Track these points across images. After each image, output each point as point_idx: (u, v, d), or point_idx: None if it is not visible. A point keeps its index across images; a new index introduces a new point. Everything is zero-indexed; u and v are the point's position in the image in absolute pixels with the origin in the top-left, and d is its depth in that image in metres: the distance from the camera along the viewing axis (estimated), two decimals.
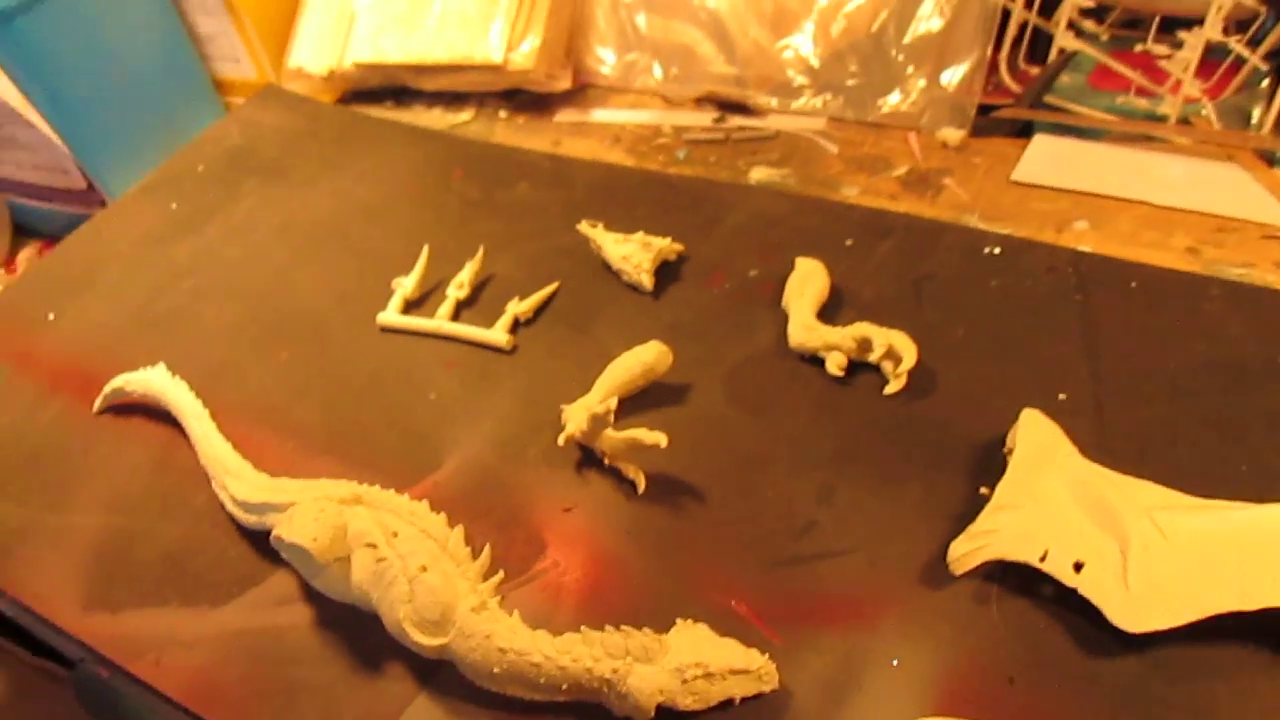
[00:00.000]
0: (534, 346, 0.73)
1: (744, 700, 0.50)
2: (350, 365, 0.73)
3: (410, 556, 0.52)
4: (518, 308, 0.74)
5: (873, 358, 0.63)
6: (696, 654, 0.49)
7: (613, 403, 0.58)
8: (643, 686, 0.48)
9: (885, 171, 0.82)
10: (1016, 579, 0.52)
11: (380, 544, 0.53)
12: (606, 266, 0.77)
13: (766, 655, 0.50)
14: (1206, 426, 0.58)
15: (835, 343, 0.65)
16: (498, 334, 0.73)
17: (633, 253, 0.74)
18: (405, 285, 0.77)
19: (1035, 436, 0.55)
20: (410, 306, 0.77)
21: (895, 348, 0.63)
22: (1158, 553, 0.49)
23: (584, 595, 0.57)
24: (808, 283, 0.69)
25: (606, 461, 0.62)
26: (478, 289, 0.78)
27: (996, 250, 0.71)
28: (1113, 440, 0.58)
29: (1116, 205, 0.74)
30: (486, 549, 0.55)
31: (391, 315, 0.76)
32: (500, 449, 0.66)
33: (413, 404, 0.70)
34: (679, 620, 0.51)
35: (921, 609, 0.53)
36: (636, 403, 0.66)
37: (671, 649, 0.50)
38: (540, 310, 0.75)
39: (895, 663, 0.51)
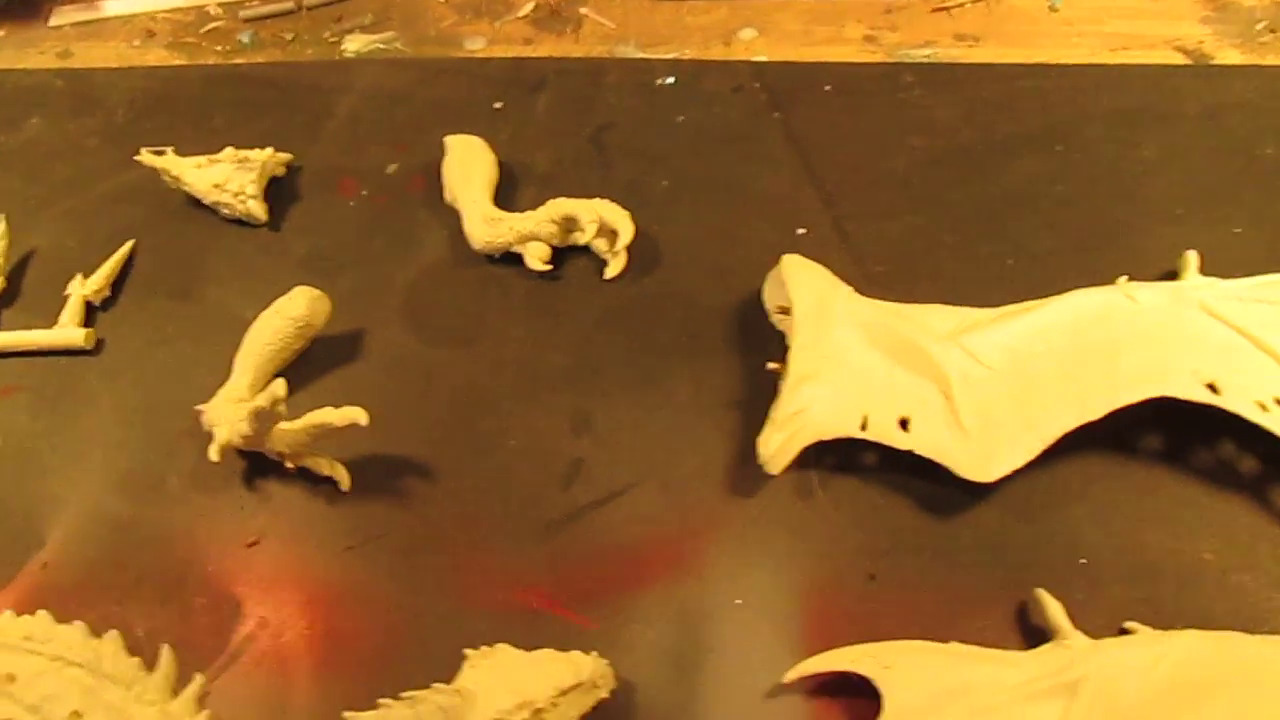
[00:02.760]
0: (125, 335, 0.53)
1: (583, 718, 0.38)
2: None
3: (50, 703, 0.34)
4: (83, 288, 0.53)
5: (583, 239, 0.51)
6: (511, 690, 0.36)
7: (279, 386, 0.41)
8: None
9: (508, 14, 0.68)
10: (832, 456, 0.44)
11: None
12: (195, 202, 0.57)
13: (593, 653, 0.38)
14: (955, 225, 0.52)
15: (531, 231, 0.51)
16: (68, 330, 0.52)
17: (227, 177, 0.55)
18: None
19: (807, 286, 0.46)
20: None
21: (607, 221, 0.51)
22: (979, 383, 0.43)
23: (318, 655, 0.41)
24: (470, 165, 0.54)
25: (289, 464, 0.45)
26: (12, 276, 0.56)
27: (670, 80, 0.60)
28: (870, 265, 0.51)
29: (775, 3, 0.65)
30: (165, 650, 0.38)
31: None
32: (125, 489, 0.47)
33: None
34: (468, 652, 0.38)
35: (742, 526, 0.43)
36: (298, 372, 0.49)
37: (478, 697, 0.36)
38: (118, 284, 0.55)
39: (739, 602, 0.41)
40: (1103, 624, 0.39)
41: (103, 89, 0.66)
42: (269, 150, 0.57)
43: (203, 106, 0.64)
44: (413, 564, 0.44)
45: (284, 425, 0.44)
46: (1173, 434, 0.43)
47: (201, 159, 0.56)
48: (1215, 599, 0.40)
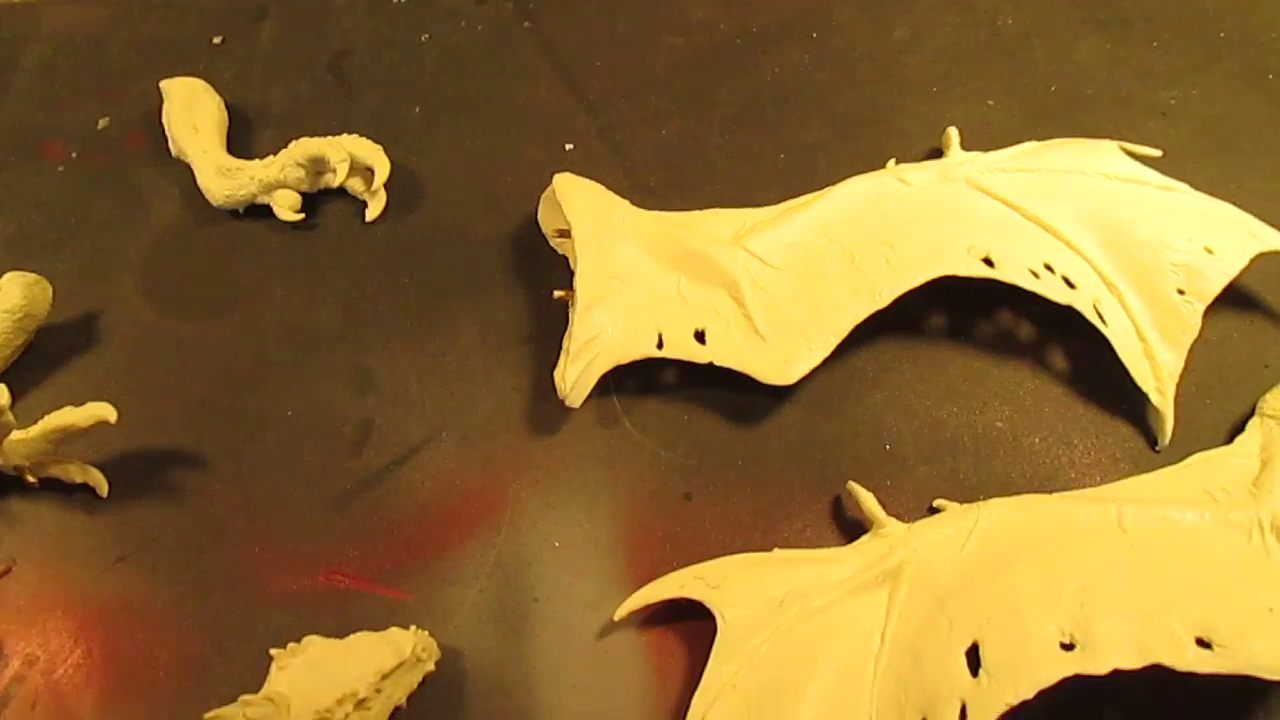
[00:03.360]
0: None
1: (411, 697, 0.35)
2: None
3: None
4: None
5: (336, 181, 0.46)
6: (328, 685, 0.33)
7: (0, 394, 0.36)
8: None
9: None
10: (632, 378, 0.43)
11: None
12: None
13: (412, 627, 0.36)
14: (723, 126, 0.50)
15: (276, 178, 0.46)
16: None
17: None
18: None
19: (584, 206, 0.43)
20: None
21: (360, 158, 0.46)
22: (769, 284, 0.42)
23: (103, 685, 0.37)
24: (195, 111, 0.48)
25: (30, 478, 0.40)
26: None
27: None
28: (643, 175, 0.49)
29: None
30: None
31: None
32: None
33: None
34: (274, 652, 0.34)
35: (550, 466, 0.41)
36: (24, 370, 0.43)
37: (292, 700, 0.33)
38: None
39: (557, 545, 0.39)
40: (913, 506, 0.40)
41: None
42: None
43: None
44: (196, 565, 0.39)
45: (17, 435, 0.38)
46: (954, 310, 0.44)
47: None
48: (1011, 464, 0.41)
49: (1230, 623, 0.33)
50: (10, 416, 0.37)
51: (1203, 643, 0.32)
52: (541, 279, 0.45)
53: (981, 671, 0.33)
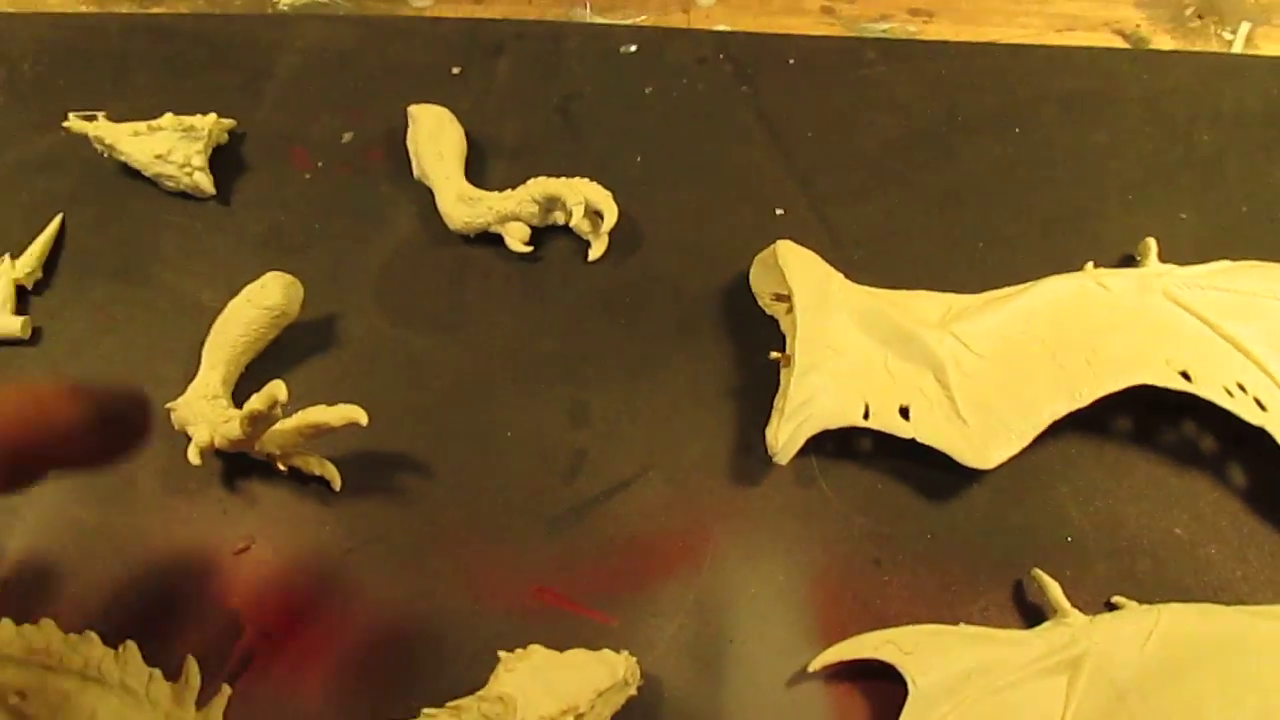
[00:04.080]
0: (66, 322, 0.49)
1: (615, 717, 0.38)
2: None
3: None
4: (13, 271, 0.49)
5: (572, 221, 0.50)
6: (553, 694, 0.36)
7: (279, 389, 0.39)
8: None
9: None
10: (830, 443, 0.45)
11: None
12: (129, 171, 0.53)
13: (623, 652, 0.39)
14: (925, 207, 0.53)
15: (512, 211, 0.49)
16: (1, 319, 0.47)
17: (171, 147, 0.51)
18: None
19: (805, 275, 0.46)
20: None
21: (592, 202, 0.49)
22: (972, 370, 0.44)
23: (331, 663, 0.40)
24: (441, 139, 0.52)
25: (281, 465, 0.43)
26: None
27: (633, 48, 0.59)
28: (848, 248, 0.51)
29: None
30: (190, 661, 0.36)
31: None
32: (88, 494, 0.44)
33: None
34: (502, 655, 0.37)
35: (749, 515, 0.44)
36: (270, 362, 0.47)
37: (519, 702, 0.36)
38: (49, 264, 0.50)
39: (753, 592, 0.42)
40: (1090, 599, 0.42)
41: (4, 36, 0.59)
42: (212, 116, 0.52)
43: (120, 61, 0.58)
44: (417, 565, 0.42)
45: (275, 425, 0.42)
46: (1141, 415, 0.46)
47: (140, 125, 0.51)
48: (1186, 571, 0.43)
49: None
50: (280, 411, 0.40)
51: None
52: (748, 336, 0.48)
53: None
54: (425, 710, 0.35)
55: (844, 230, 0.52)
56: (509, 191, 0.50)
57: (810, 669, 0.40)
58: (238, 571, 0.42)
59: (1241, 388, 0.44)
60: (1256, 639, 0.38)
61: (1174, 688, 0.37)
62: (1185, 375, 0.44)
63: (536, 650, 0.38)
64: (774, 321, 0.49)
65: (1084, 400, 0.44)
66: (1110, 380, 0.44)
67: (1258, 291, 0.47)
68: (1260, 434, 0.42)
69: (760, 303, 0.49)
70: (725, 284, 0.50)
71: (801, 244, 0.48)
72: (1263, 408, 0.43)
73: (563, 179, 0.49)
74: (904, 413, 0.44)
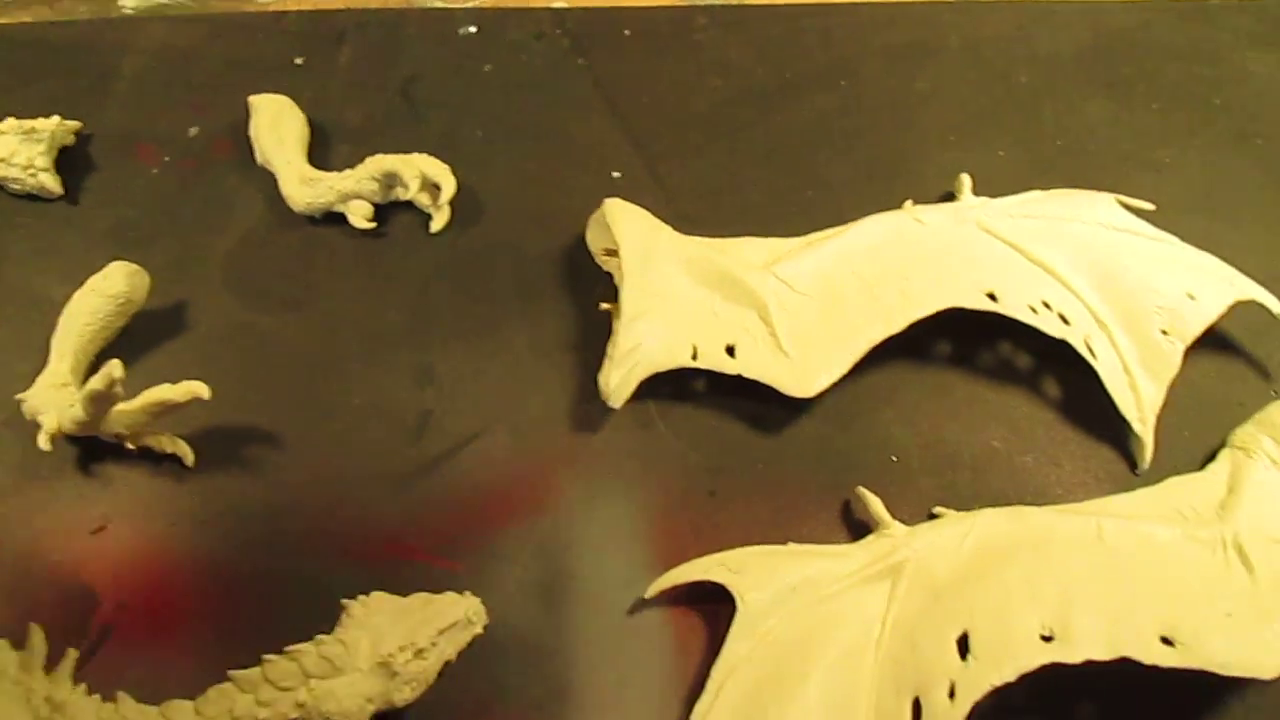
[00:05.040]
0: None
1: (459, 655, 0.40)
2: None
3: None
4: None
5: (408, 195, 0.51)
6: (393, 634, 0.37)
7: (115, 367, 0.40)
8: (346, 706, 0.36)
9: None
10: (667, 386, 0.47)
11: None
12: None
13: (466, 593, 0.40)
14: (757, 161, 0.55)
15: (352, 190, 0.51)
16: None
17: (13, 150, 0.51)
18: None
19: (631, 228, 0.48)
20: None
21: (429, 175, 0.51)
22: (794, 307, 0.47)
23: (186, 631, 0.41)
24: (281, 125, 0.53)
25: (130, 445, 0.44)
26: None
27: (473, 29, 0.61)
28: (682, 204, 0.54)
29: None
30: (34, 629, 0.37)
31: None
32: None
33: None
34: (345, 603, 0.39)
35: (590, 460, 0.46)
36: (121, 350, 0.48)
37: (360, 644, 0.37)
38: None
39: (595, 531, 0.44)
40: (915, 512, 0.44)
41: None
42: (55, 119, 0.53)
43: None
44: (271, 532, 0.44)
45: (121, 406, 0.43)
46: (960, 339, 0.49)
47: None
48: (1005, 480, 0.46)
49: (1192, 624, 0.38)
50: (120, 389, 0.41)
51: (1167, 641, 0.37)
52: (587, 292, 0.50)
53: (970, 656, 0.38)
54: (265, 656, 0.36)
55: (677, 187, 0.54)
56: (348, 171, 0.51)
57: (647, 595, 0.42)
58: (94, 550, 0.43)
59: (1046, 305, 0.47)
60: (1061, 535, 0.41)
61: (985, 584, 0.40)
62: (992, 297, 0.46)
63: (379, 596, 0.39)
64: (610, 278, 0.51)
65: (897, 327, 0.46)
66: (921, 306, 0.46)
67: (1064, 216, 0.50)
68: (1070, 349, 0.45)
69: (596, 260, 0.51)
70: (565, 246, 0.52)
71: (637, 203, 0.50)
72: (1066, 322, 0.46)
73: (399, 155, 0.51)
74: (730, 351, 0.46)
